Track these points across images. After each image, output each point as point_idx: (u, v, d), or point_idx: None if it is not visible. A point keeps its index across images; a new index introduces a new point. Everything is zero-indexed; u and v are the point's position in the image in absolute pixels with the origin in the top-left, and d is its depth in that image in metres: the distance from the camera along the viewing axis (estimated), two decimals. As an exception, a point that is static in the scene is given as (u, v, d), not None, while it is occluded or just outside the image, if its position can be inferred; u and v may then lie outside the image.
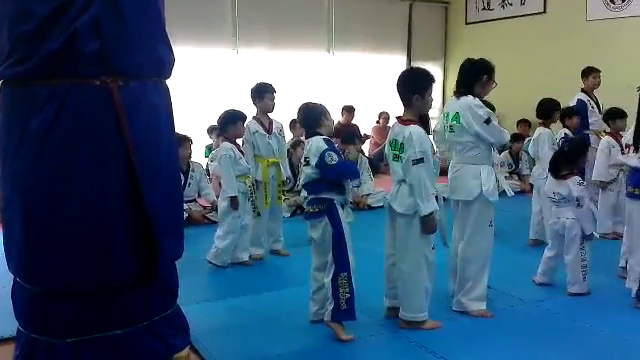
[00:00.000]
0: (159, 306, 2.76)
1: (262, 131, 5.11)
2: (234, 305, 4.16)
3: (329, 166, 3.46)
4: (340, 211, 3.54)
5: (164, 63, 2.70)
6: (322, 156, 3.46)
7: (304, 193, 3.77)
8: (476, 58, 3.96)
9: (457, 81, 3.97)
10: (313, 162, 3.50)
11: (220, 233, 4.92)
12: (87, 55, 2.37)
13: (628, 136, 4.28)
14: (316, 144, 3.54)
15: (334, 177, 3.53)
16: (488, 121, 3.79)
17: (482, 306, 3.87)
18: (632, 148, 4.13)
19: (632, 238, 4.24)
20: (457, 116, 3.85)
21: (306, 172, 3.59)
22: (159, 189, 2.64)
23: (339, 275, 3.46)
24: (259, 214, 5.09)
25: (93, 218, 2.48)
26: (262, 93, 5.06)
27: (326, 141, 3.55)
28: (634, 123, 4.18)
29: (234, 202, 4.82)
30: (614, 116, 5.65)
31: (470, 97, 3.83)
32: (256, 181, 5.08)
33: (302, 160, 3.70)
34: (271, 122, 5.20)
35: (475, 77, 3.87)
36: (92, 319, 2.57)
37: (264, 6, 9.39)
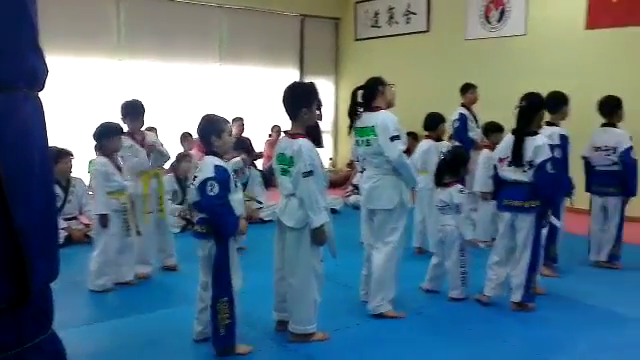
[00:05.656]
0: (31, 332, 2.56)
1: (137, 146, 4.92)
2: (117, 327, 3.97)
3: (207, 195, 3.29)
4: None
5: (36, 74, 2.52)
6: (204, 183, 3.30)
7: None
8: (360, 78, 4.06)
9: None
10: (197, 184, 3.35)
11: (94, 254, 4.66)
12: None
13: (501, 150, 4.37)
14: (207, 167, 3.36)
15: (206, 209, 3.35)
16: None
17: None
18: (506, 161, 4.32)
19: (515, 251, 4.23)
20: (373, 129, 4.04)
21: (194, 192, 3.42)
22: (31, 207, 2.46)
23: (218, 300, 3.36)
24: (139, 233, 4.86)
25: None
26: (134, 112, 4.84)
27: (216, 168, 3.33)
28: (505, 137, 4.44)
29: (103, 220, 4.58)
30: (494, 129, 5.90)
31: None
32: (136, 196, 4.90)
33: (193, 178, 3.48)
34: (144, 137, 5.02)
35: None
36: (-46, 349, 2.37)
37: (151, 15, 9.13)
